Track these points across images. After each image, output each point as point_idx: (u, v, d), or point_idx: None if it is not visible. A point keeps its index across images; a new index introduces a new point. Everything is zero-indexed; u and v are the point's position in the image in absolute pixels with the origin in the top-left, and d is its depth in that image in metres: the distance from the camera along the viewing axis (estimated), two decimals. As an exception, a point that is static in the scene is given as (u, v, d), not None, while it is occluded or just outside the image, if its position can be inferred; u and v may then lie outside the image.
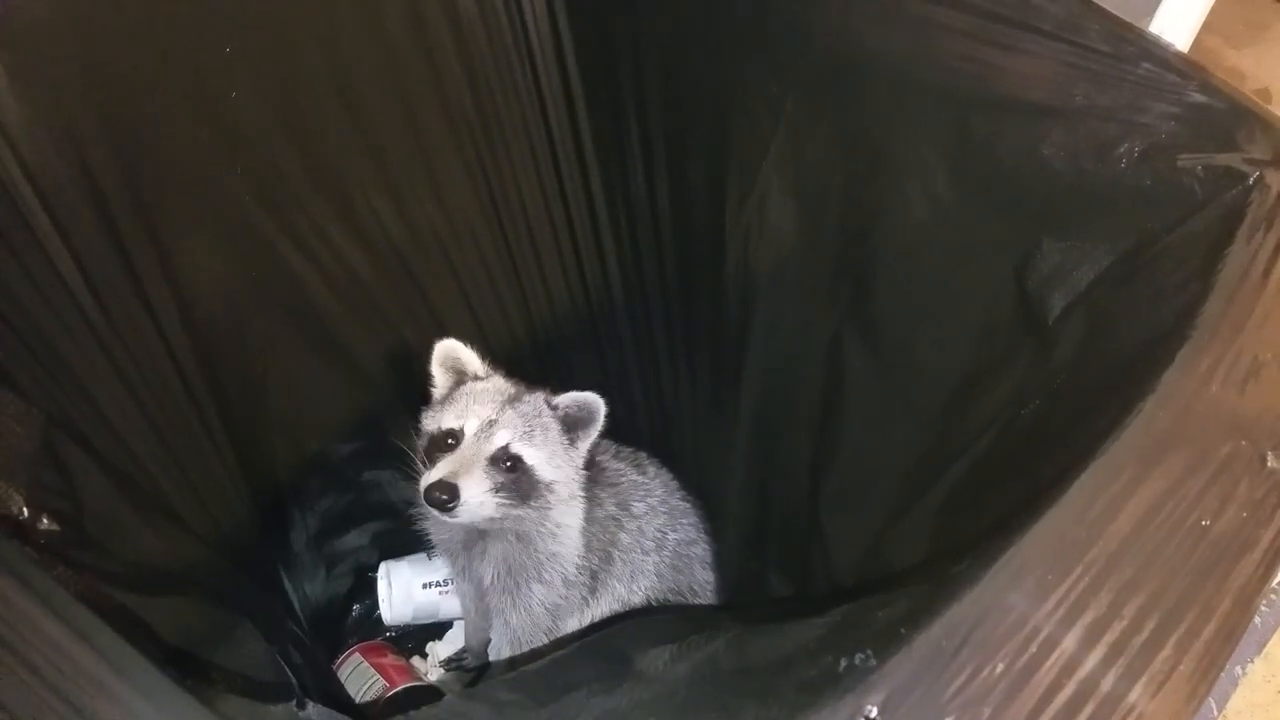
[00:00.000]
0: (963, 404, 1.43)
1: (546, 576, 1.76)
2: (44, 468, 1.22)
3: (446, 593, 2.15)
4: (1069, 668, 0.70)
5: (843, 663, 0.72)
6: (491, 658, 2.09)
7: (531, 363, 2.08)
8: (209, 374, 1.62)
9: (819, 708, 0.68)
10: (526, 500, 1.61)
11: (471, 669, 2.15)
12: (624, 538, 1.88)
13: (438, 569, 2.16)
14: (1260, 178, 1.02)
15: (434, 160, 1.76)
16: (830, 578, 1.79)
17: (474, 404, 1.64)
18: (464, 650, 2.19)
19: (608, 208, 1.89)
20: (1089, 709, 0.68)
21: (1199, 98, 1.09)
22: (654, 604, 1.94)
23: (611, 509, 1.86)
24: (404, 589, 2.15)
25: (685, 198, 1.75)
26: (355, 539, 2.19)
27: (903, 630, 0.72)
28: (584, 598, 1.86)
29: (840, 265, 1.55)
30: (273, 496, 1.89)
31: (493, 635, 2.08)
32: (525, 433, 1.61)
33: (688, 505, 2.03)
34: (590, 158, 1.85)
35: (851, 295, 1.56)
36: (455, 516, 1.53)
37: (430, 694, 1.99)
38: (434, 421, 1.67)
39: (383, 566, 2.19)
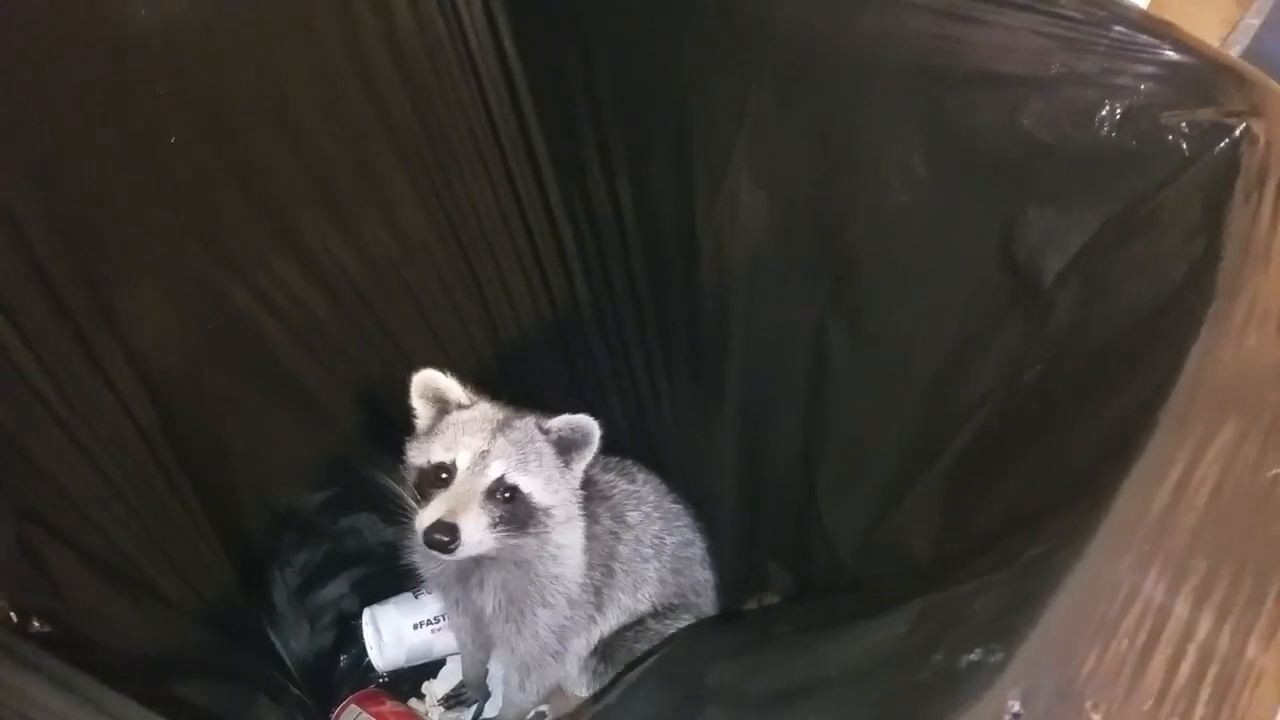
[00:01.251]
0: (955, 378, 1.44)
1: (550, 600, 1.73)
2: (23, 566, 1.17)
3: (439, 630, 2.10)
4: (1187, 634, 0.69)
5: (963, 660, 0.71)
6: (499, 689, 2.06)
7: (501, 382, 2.01)
8: (173, 438, 1.55)
9: (957, 709, 0.66)
10: (525, 529, 1.58)
11: (473, 703, 2.10)
12: (623, 549, 1.87)
13: (426, 607, 2.10)
14: (1247, 129, 1.04)
15: (384, 187, 1.71)
16: (833, 564, 1.79)
17: (463, 435, 1.58)
18: (462, 685, 2.14)
19: (569, 218, 1.86)
20: (1213, 671, 0.69)
21: (1173, 56, 1.11)
22: (659, 610, 1.93)
23: (608, 523, 1.84)
24: (394, 632, 2.09)
25: (650, 201, 1.73)
26: (336, 588, 2.12)
27: (1016, 619, 0.71)
28: (590, 615, 1.84)
29: (818, 253, 1.54)
30: (250, 558, 1.82)
31: (496, 665, 2.04)
32: (519, 461, 1.57)
33: (679, 508, 2.02)
34: (546, 169, 1.81)
35: (832, 282, 1.56)
36: (455, 555, 1.49)
37: (441, 739, 1.94)
38: (421, 455, 1.61)
39: (366, 613, 2.13)
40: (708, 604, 2.04)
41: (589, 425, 1.64)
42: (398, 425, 1.94)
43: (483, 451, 1.55)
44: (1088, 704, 0.66)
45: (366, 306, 1.81)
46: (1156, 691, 0.67)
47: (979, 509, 1.32)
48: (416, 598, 2.12)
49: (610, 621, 1.89)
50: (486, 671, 2.10)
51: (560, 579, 1.72)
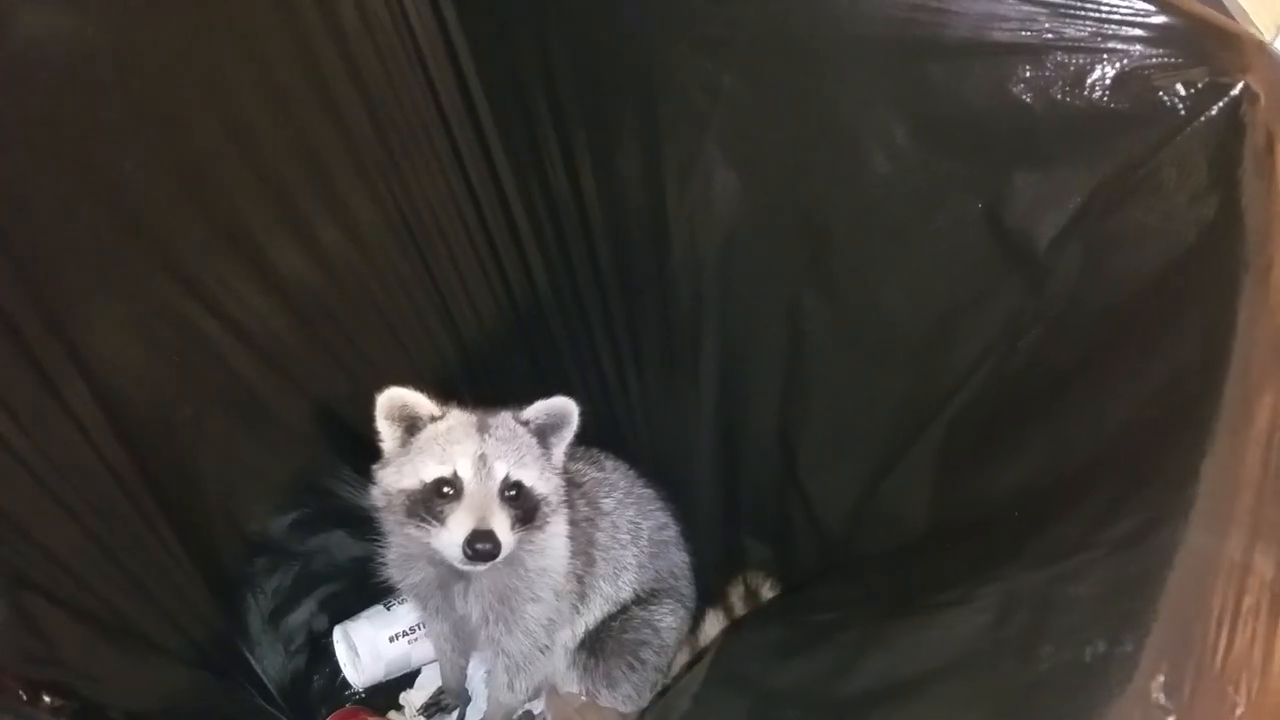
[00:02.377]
0: (944, 348, 1.45)
1: (539, 594, 1.71)
2: (24, 637, 1.10)
3: (415, 640, 2.05)
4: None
5: (1086, 652, 0.71)
6: (480, 692, 2.02)
7: (466, 383, 1.99)
8: (145, 475, 1.48)
9: (1099, 705, 0.67)
10: (533, 523, 1.58)
11: (453, 709, 2.07)
12: (600, 536, 1.85)
13: (400, 618, 2.05)
14: (1246, 87, 1.06)
15: (340, 195, 1.65)
16: (817, 539, 1.81)
17: (450, 445, 1.54)
18: (441, 692, 2.10)
19: (526, 210, 1.81)
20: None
21: (1163, 18, 1.12)
22: (642, 596, 1.93)
23: (584, 510, 1.82)
24: (370, 647, 2.03)
25: (615, 188, 1.69)
26: (306, 609, 2.05)
27: (1135, 605, 0.72)
28: (574, 606, 1.83)
29: (795, 230, 1.53)
30: (226, 587, 1.75)
31: (476, 668, 2.02)
32: (516, 457, 1.56)
33: (650, 492, 2.00)
34: (500, 159, 1.75)
35: (810, 257, 1.55)
36: (493, 562, 1.49)
37: (429, 748, 1.91)
38: (407, 475, 1.55)
39: (338, 630, 2.07)
40: (686, 586, 2.04)
41: (566, 406, 1.63)
42: (364, 440, 1.88)
43: (480, 455, 1.52)
44: (1229, 688, 0.67)
45: (330, 320, 1.75)
46: (1294, 656, 0.68)
47: (981, 478, 1.34)
48: (389, 609, 2.07)
49: (594, 612, 1.88)
50: (466, 676, 2.06)
51: (547, 571, 1.70)
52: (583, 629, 1.88)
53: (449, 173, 1.75)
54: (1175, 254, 1.07)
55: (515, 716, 2.00)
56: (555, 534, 1.69)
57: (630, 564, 1.91)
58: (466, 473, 1.51)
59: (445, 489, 1.51)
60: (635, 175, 1.64)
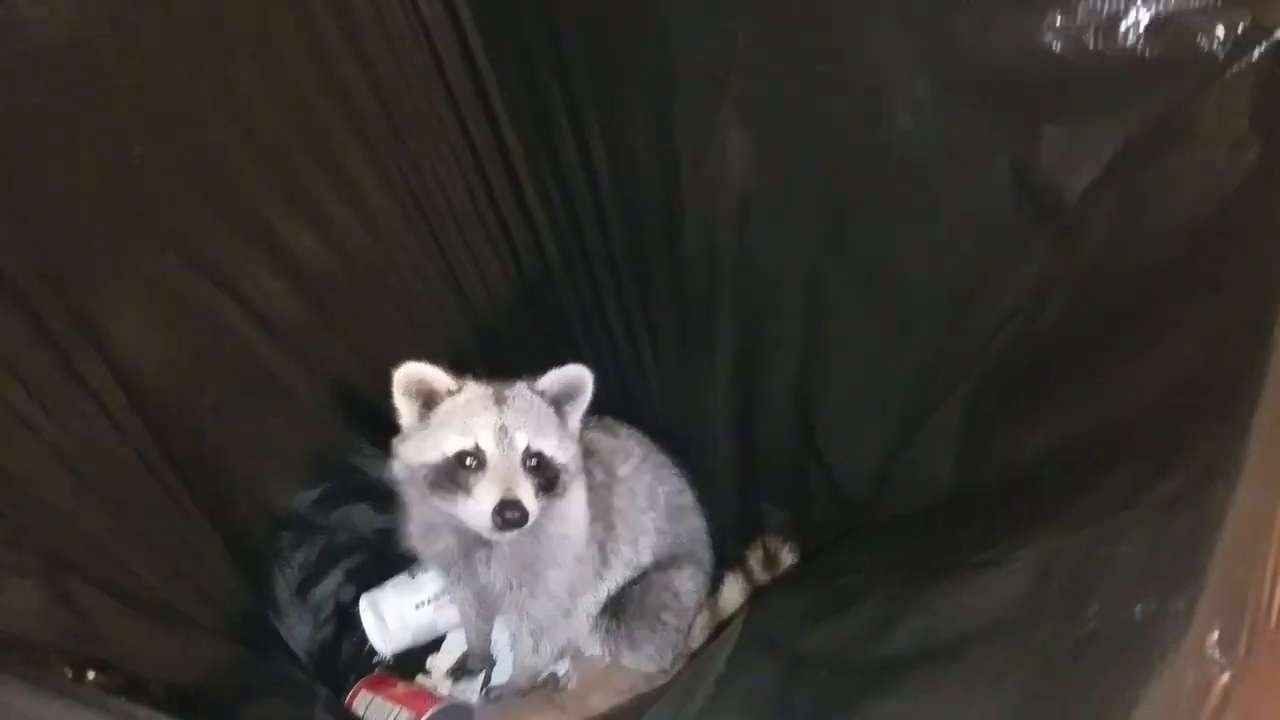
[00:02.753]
0: (969, 309, 1.43)
1: (560, 559, 1.73)
2: (64, 615, 1.10)
3: (441, 606, 2.06)
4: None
5: (1136, 610, 0.71)
6: (505, 655, 2.05)
7: (479, 357, 1.98)
8: (171, 457, 1.49)
9: (1154, 663, 0.66)
10: (554, 491, 1.59)
11: (479, 672, 2.08)
12: (618, 502, 1.86)
13: (424, 586, 2.06)
14: (1291, 30, 1.03)
15: (348, 173, 1.64)
16: (837, 503, 1.81)
17: (470, 418, 1.55)
18: (466, 656, 2.12)
19: (535, 183, 1.80)
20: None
21: (1199, -41, 1.10)
22: (661, 561, 1.94)
23: (601, 477, 1.83)
24: (397, 616, 2.04)
25: (626, 157, 1.67)
26: (333, 581, 2.08)
27: (1185, 564, 0.71)
28: (597, 571, 1.85)
29: (815, 193, 1.51)
30: (254, 563, 1.77)
31: (500, 632, 2.03)
32: (535, 427, 1.57)
33: (665, 458, 2.01)
34: (508, 134, 1.74)
35: (829, 221, 1.53)
36: (519, 530, 1.50)
37: (464, 712, 1.92)
38: (429, 449, 1.55)
39: (364, 599, 2.07)
40: (704, 550, 2.05)
41: (580, 374, 1.64)
42: (381, 414, 1.88)
43: (501, 427, 1.53)
44: (1285, 645, 0.66)
45: (343, 298, 1.75)
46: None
47: (1010, 440, 1.33)
48: (413, 578, 2.08)
49: (616, 576, 1.90)
50: (490, 640, 2.08)
51: (568, 538, 1.72)
52: (605, 593, 1.90)
53: (457, 148, 1.74)
54: (1215, 204, 1.05)
55: (540, 678, 2.02)
56: (575, 500, 1.71)
57: (649, 528, 1.93)
58: (489, 444, 1.52)
59: (468, 460, 1.52)
60: (647, 141, 1.62)
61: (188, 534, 1.50)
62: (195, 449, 1.55)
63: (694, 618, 2.01)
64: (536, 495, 1.52)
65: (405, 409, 1.60)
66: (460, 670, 2.10)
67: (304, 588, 1.99)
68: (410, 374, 1.58)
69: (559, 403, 1.64)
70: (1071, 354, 1.24)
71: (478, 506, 1.48)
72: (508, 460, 1.52)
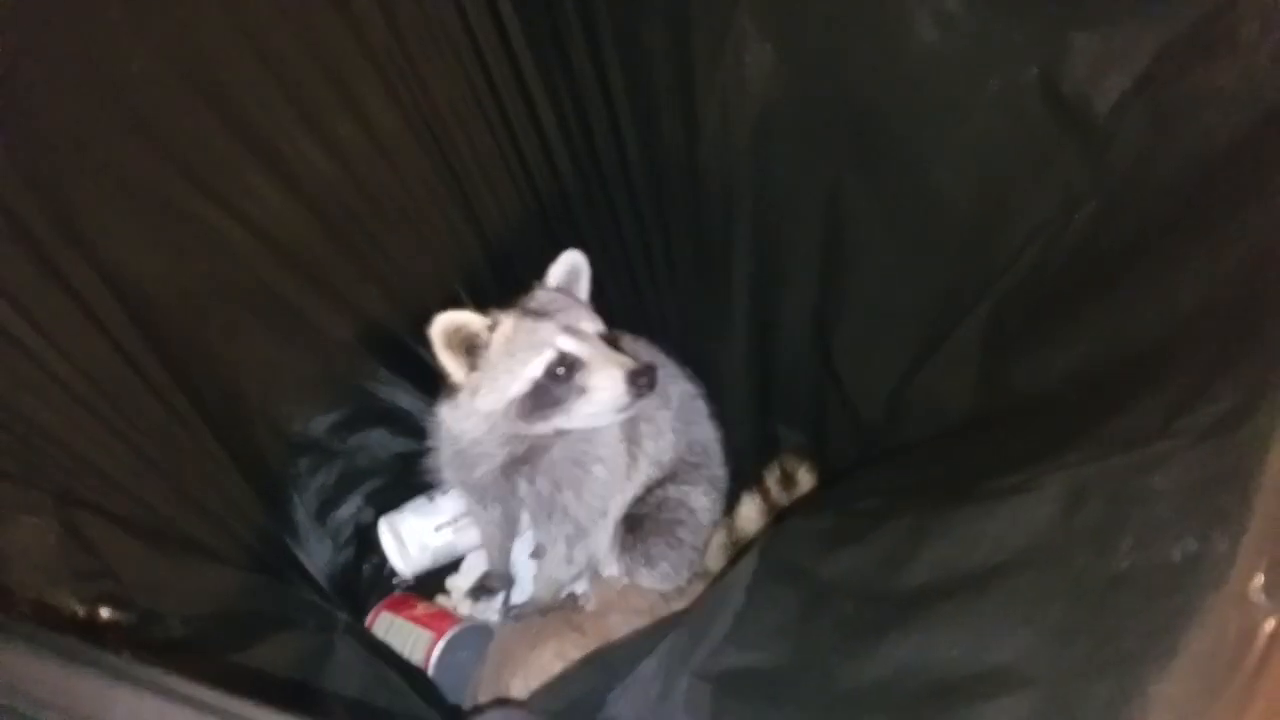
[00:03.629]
0: (994, 226, 1.38)
1: (602, 451, 1.73)
2: (75, 553, 1.10)
3: (460, 529, 2.08)
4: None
5: (1175, 551, 0.68)
6: (525, 573, 2.06)
7: (491, 281, 1.96)
8: (183, 384, 1.48)
9: (1195, 606, 0.64)
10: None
11: (499, 591, 2.10)
12: None
13: (443, 509, 2.07)
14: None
15: (356, 91, 1.59)
16: (853, 425, 1.79)
17: (533, 335, 1.51)
18: (486, 576, 2.13)
19: (549, 101, 1.74)
20: None
21: None
22: (675, 472, 1.92)
23: None
24: (416, 538, 2.06)
25: (641, 73, 1.61)
26: (352, 504, 2.08)
27: (1225, 501, 0.68)
28: (626, 471, 1.83)
29: (835, 107, 1.45)
30: (272, 488, 1.77)
31: (521, 551, 2.04)
32: (585, 314, 1.58)
33: (674, 364, 1.97)
34: (521, 49, 1.68)
35: (851, 136, 1.47)
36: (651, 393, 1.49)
37: (484, 632, 1.94)
38: (506, 386, 1.52)
39: (383, 522, 2.09)
40: (718, 466, 2.02)
41: (575, 258, 1.65)
42: (395, 338, 1.87)
43: (566, 326, 1.51)
44: (1329, 587, 0.64)
45: (353, 221, 1.71)
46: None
47: (1033, 362, 1.30)
48: (431, 501, 2.09)
49: (640, 475, 1.88)
50: (511, 559, 2.09)
51: (601, 431, 1.70)
52: (631, 495, 1.88)
53: (468, 65, 1.69)
54: (1256, 118, 0.99)
55: (563, 593, 2.04)
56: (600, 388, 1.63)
57: (666, 427, 1.90)
58: (569, 345, 1.49)
59: (559, 370, 1.49)
60: (662, 55, 1.56)
61: (201, 461, 1.49)
62: (206, 374, 1.53)
63: (709, 535, 2.01)
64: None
65: (452, 364, 1.53)
66: (480, 590, 2.12)
67: (323, 512, 1.99)
68: (448, 324, 1.50)
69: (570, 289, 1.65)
70: (1100, 271, 1.19)
71: (605, 394, 1.47)
72: (594, 345, 1.50)
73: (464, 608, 2.13)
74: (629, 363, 1.47)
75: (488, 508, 1.89)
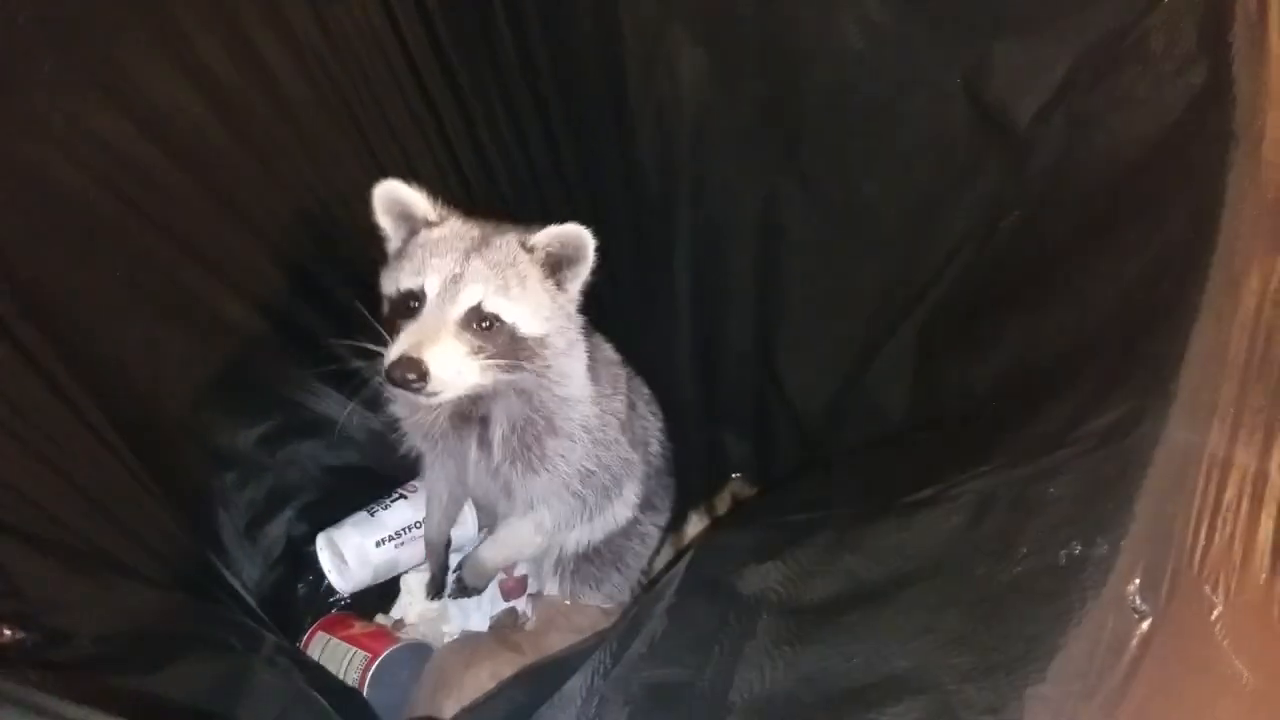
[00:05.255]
0: (924, 233, 1.41)
1: (561, 425, 1.56)
2: None
3: (402, 544, 2.04)
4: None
5: (1061, 555, 0.68)
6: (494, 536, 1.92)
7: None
8: (97, 393, 1.41)
9: (1075, 608, 0.64)
10: (516, 359, 1.40)
11: (438, 579, 2.03)
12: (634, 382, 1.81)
13: (385, 524, 2.03)
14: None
15: (285, 92, 1.56)
16: (798, 432, 1.79)
17: (431, 257, 1.39)
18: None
19: (479, 96, 1.71)
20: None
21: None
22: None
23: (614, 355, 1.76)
24: (357, 553, 2.01)
25: (573, 77, 1.60)
26: (283, 521, 2.02)
27: (1109, 505, 0.68)
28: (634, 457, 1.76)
29: (769, 115, 1.47)
30: (195, 504, 1.70)
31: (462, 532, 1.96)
32: (499, 285, 1.37)
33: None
34: (446, 40, 1.66)
35: (784, 144, 1.49)
36: (431, 396, 1.32)
37: (422, 651, 1.91)
38: (390, 282, 1.43)
39: (321, 537, 2.05)
40: (662, 496, 1.98)
41: (579, 236, 1.42)
42: (324, 348, 1.83)
43: (454, 275, 1.36)
44: (1206, 588, 0.64)
45: (277, 226, 1.68)
46: (1269, 563, 0.65)
47: (962, 368, 1.31)
48: (372, 516, 2.05)
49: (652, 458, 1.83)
50: (447, 534, 2.01)
51: (569, 402, 1.55)
52: (641, 478, 1.82)
53: (399, 74, 1.67)
54: (1163, 127, 1.01)
55: (495, 613, 2.01)
56: (571, 372, 1.54)
57: (655, 434, 1.87)
58: (433, 290, 1.36)
59: (411, 303, 1.37)
60: (595, 61, 1.55)
61: (121, 478, 1.43)
62: (121, 384, 1.47)
63: (655, 555, 2.00)
64: (475, 356, 1.34)
65: (390, 231, 1.48)
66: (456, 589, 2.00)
67: (252, 528, 1.93)
68: (387, 193, 1.46)
69: (557, 266, 1.45)
70: (1021, 280, 1.21)
71: (385, 359, 1.30)
72: (441, 313, 1.34)
73: (412, 613, 2.10)
74: (419, 350, 1.29)
75: (443, 460, 1.75)
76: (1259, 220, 0.79)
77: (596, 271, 1.86)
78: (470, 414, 1.55)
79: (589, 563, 1.88)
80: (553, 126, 1.71)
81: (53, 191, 1.34)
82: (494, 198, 1.86)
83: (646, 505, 1.89)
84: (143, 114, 1.41)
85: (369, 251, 1.54)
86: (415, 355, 1.28)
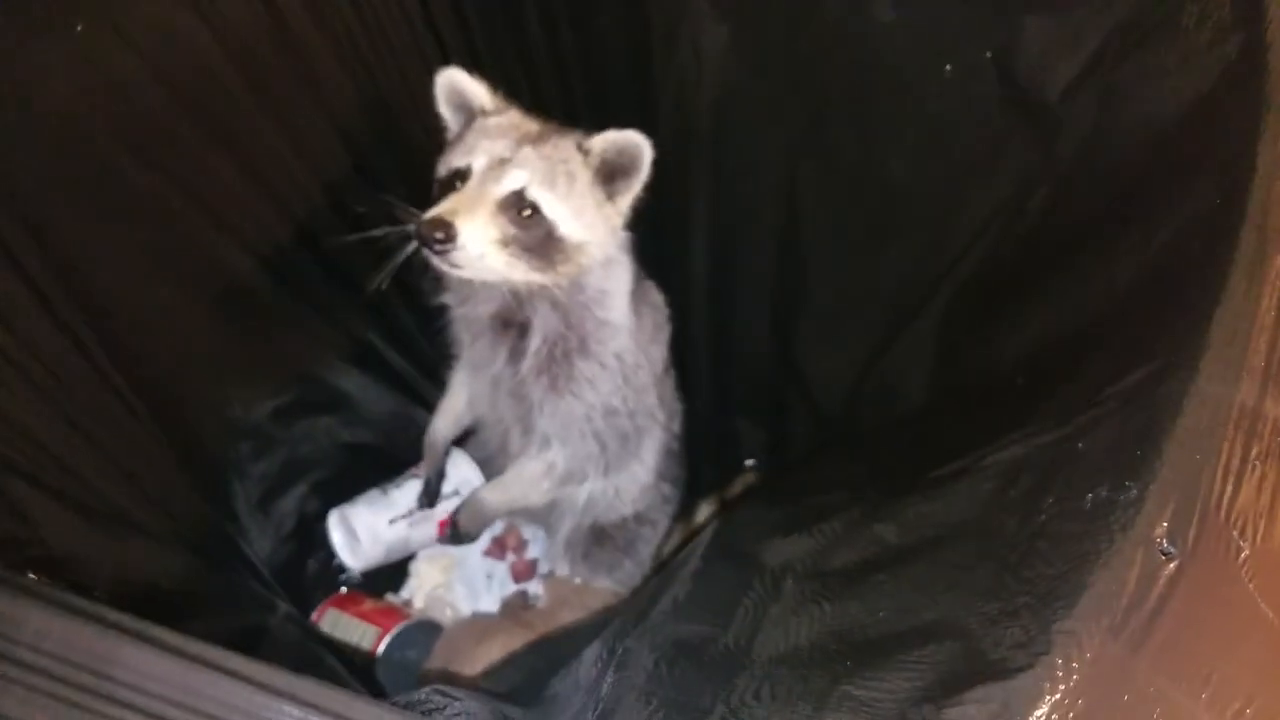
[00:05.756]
0: (951, 212, 1.40)
1: (594, 349, 1.51)
2: (5, 519, 1.08)
3: (415, 523, 2.02)
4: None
5: (1086, 499, 0.68)
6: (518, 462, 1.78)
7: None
8: (118, 359, 1.41)
9: (1100, 549, 0.64)
10: (549, 260, 1.37)
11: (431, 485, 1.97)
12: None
13: (398, 502, 2.02)
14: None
15: (314, 70, 1.57)
16: (813, 418, 1.78)
17: (484, 139, 1.38)
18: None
19: (504, 84, 1.72)
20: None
21: None
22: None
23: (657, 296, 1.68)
24: (369, 531, 2.00)
25: (597, 51, 1.61)
26: (297, 494, 2.02)
27: (1139, 453, 0.68)
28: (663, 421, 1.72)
29: (792, 92, 1.46)
30: (210, 473, 1.71)
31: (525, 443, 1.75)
32: (546, 177, 1.34)
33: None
34: (475, 25, 1.67)
35: (807, 122, 1.48)
36: (455, 265, 1.30)
37: (432, 628, 1.91)
38: (443, 165, 1.41)
39: (334, 515, 2.03)
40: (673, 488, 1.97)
41: (637, 145, 1.37)
42: (346, 326, 1.84)
43: (502, 158, 1.34)
44: (1233, 533, 0.64)
45: (304, 203, 1.68)
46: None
47: (986, 347, 1.30)
48: (385, 494, 2.04)
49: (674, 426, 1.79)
50: (449, 449, 1.95)
51: (606, 326, 1.51)
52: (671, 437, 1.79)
53: (425, 46, 1.67)
54: (1195, 97, 1.00)
55: (506, 595, 2.01)
56: (611, 289, 1.50)
57: (677, 414, 1.84)
58: (479, 168, 1.33)
59: (457, 181, 1.35)
60: (617, 35, 1.57)
61: (140, 441, 1.43)
62: (145, 350, 1.48)
63: (664, 539, 2.00)
64: (505, 244, 1.31)
65: (449, 119, 1.47)
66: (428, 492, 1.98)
67: (265, 501, 1.93)
68: (449, 80, 1.45)
69: (611, 175, 1.40)
70: (1051, 256, 1.20)
71: (419, 219, 1.28)
72: (482, 189, 1.31)
73: (420, 597, 2.10)
74: (448, 217, 1.27)
75: (470, 361, 1.70)
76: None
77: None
78: (511, 319, 1.51)
79: (600, 547, 1.88)
80: (577, 110, 1.71)
81: (75, 148, 1.34)
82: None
83: (662, 479, 1.87)
84: (240, 153, 1.50)
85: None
86: (448, 219, 1.27)
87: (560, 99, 1.72)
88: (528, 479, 1.70)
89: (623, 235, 1.47)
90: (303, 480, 2.02)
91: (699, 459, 2.05)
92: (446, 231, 1.25)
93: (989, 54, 1.24)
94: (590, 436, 1.61)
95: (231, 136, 1.54)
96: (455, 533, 1.86)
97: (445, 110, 1.46)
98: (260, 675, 0.67)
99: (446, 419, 1.87)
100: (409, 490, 2.04)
